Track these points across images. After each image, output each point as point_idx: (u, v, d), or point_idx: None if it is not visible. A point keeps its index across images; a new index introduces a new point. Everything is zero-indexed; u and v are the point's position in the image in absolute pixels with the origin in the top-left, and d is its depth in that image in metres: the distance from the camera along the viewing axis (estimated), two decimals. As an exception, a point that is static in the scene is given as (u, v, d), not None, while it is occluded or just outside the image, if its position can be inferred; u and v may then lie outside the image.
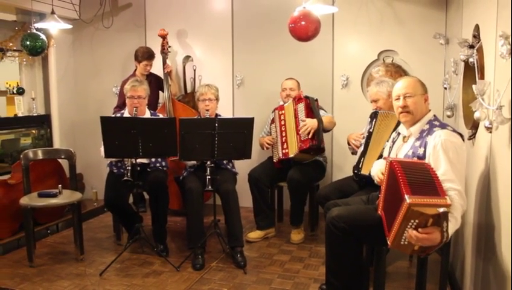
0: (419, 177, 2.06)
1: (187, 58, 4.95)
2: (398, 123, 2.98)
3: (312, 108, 3.76)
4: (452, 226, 2.07)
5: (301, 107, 3.78)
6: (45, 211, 4.04)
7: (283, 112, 3.93)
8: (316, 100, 3.85)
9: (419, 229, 1.96)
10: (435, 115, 2.47)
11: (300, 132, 3.72)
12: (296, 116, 3.80)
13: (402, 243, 2.06)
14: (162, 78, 4.58)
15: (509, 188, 1.91)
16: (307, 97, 3.79)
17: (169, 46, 4.63)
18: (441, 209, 1.93)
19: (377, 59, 4.35)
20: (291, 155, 3.79)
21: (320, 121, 3.70)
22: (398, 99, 2.48)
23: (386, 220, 2.22)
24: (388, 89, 3.28)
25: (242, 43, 4.75)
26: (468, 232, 2.66)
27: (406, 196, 1.94)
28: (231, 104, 4.82)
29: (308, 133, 3.67)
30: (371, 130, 3.23)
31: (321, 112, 3.87)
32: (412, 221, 1.97)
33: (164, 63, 4.54)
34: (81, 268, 3.34)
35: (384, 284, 2.56)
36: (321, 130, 3.76)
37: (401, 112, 2.46)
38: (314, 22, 3.47)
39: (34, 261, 3.37)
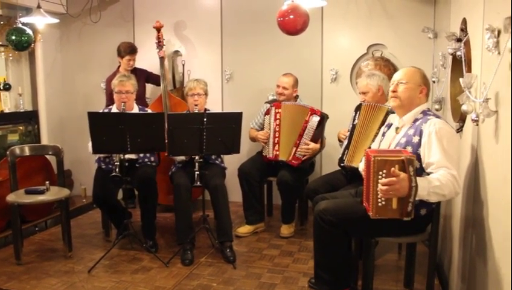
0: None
1: (176, 53, 4.91)
2: (387, 116, 2.99)
3: (321, 129, 3.77)
4: (436, 198, 2.19)
5: (314, 123, 3.71)
6: (33, 208, 3.99)
7: (279, 110, 3.86)
8: (328, 117, 3.87)
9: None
10: (428, 108, 2.49)
11: (298, 148, 3.73)
12: (303, 129, 3.74)
13: (380, 204, 2.16)
14: (146, 70, 4.57)
15: (496, 181, 1.92)
16: (322, 117, 3.75)
17: (164, 39, 4.53)
18: (403, 157, 2.09)
19: (366, 53, 4.34)
20: (281, 158, 3.80)
21: (321, 148, 3.80)
22: (392, 84, 2.51)
23: (365, 199, 2.30)
24: (379, 83, 3.27)
25: (231, 37, 4.72)
26: (455, 224, 2.68)
27: (371, 155, 2.14)
28: (220, 99, 4.79)
29: (304, 156, 3.71)
30: (354, 123, 3.23)
31: None
32: (381, 173, 2.11)
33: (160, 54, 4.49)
34: (69, 265, 3.31)
35: (373, 277, 2.57)
36: (314, 155, 3.83)
37: (391, 96, 2.51)
38: (302, 16, 3.46)
39: (21, 259, 3.33)
